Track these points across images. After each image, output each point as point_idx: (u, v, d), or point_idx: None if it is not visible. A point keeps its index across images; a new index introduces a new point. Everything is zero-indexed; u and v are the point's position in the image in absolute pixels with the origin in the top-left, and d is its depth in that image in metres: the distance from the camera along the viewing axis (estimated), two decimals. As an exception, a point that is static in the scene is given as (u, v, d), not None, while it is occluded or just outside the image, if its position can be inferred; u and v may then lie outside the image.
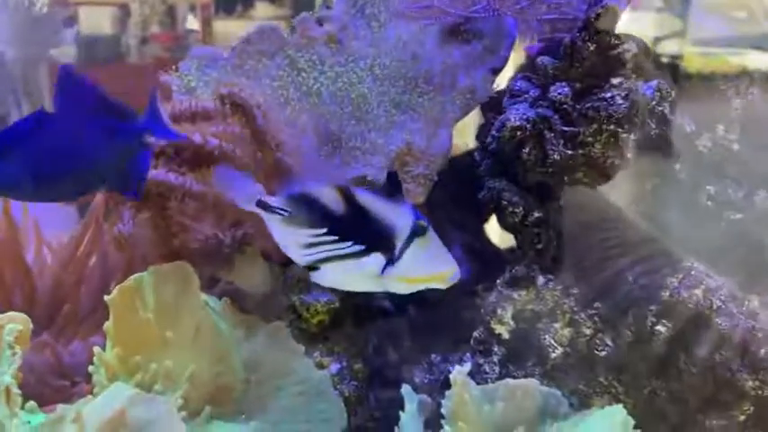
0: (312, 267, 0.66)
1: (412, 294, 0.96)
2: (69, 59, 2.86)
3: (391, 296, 0.95)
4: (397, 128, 0.87)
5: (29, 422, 0.66)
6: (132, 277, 0.71)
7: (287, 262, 0.94)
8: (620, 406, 0.66)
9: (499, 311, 0.73)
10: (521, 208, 0.73)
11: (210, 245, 0.83)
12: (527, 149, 0.71)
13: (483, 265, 0.96)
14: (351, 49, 0.98)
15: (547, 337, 0.71)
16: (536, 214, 0.73)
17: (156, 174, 0.72)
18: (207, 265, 0.83)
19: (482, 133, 0.83)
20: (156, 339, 0.72)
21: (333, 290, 0.88)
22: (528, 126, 0.70)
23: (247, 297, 0.92)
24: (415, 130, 0.85)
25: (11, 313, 0.63)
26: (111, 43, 2.90)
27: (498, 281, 0.75)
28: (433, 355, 0.84)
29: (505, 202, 0.74)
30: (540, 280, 0.73)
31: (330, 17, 1.03)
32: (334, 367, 0.86)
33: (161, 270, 0.73)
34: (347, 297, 0.90)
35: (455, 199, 0.96)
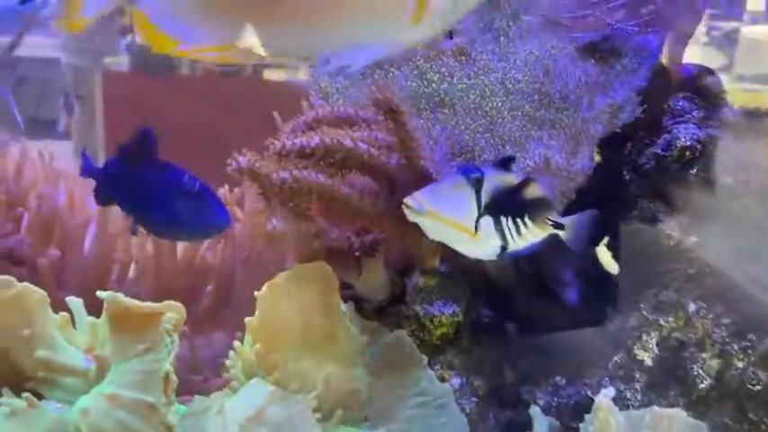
0: None
1: (531, 312, 0.96)
2: (123, 68, 2.95)
3: (511, 314, 0.95)
4: (534, 143, 0.86)
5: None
6: (281, 275, 0.72)
7: (405, 270, 0.94)
8: (777, 444, 0.64)
9: (644, 337, 0.72)
10: (677, 231, 0.71)
11: (341, 247, 0.84)
12: (695, 171, 0.69)
13: (594, 288, 0.95)
14: (480, 63, 0.98)
15: (694, 366, 0.69)
16: (693, 239, 0.71)
17: (307, 174, 0.72)
18: (336, 267, 0.83)
19: (632, 153, 0.82)
20: (296, 338, 0.73)
21: (456, 303, 0.88)
22: (698, 147, 0.69)
23: (365, 303, 0.92)
24: (554, 146, 0.84)
25: (168, 302, 0.64)
26: (164, 54, 2.97)
27: (643, 305, 0.73)
28: (557, 378, 0.82)
29: (661, 224, 0.72)
30: (692, 307, 0.71)
31: (459, 30, 1.04)
32: (456, 382, 0.85)
33: (305, 269, 0.73)
34: (467, 311, 0.89)
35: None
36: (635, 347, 0.73)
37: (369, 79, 0.99)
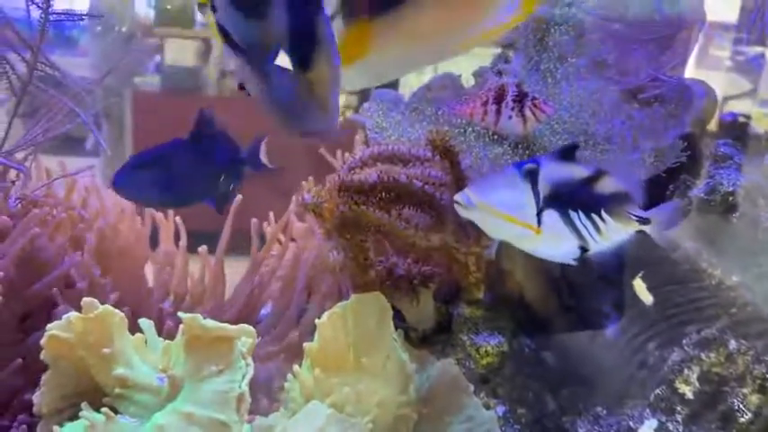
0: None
1: (572, 343, 0.99)
2: (152, 87, 3.04)
3: (553, 345, 0.98)
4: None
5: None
6: (339, 304, 0.76)
7: (450, 300, 0.98)
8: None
9: (686, 371, 0.75)
10: (719, 271, 0.75)
11: (400, 275, 0.88)
12: (737, 215, 0.73)
13: (631, 320, 0.98)
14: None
15: (735, 401, 0.72)
16: (734, 278, 0.74)
17: (366, 209, 0.77)
18: (393, 295, 0.87)
19: (674, 194, 0.85)
20: (352, 364, 0.77)
21: (501, 333, 0.92)
22: (740, 192, 0.72)
23: (411, 331, 0.96)
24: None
25: (242, 326, 0.69)
26: (192, 75, 3.06)
27: (685, 341, 0.77)
28: (598, 408, 0.85)
29: (704, 264, 0.75)
30: (733, 344, 0.74)
31: (507, 70, 1.09)
32: (500, 409, 0.89)
33: (362, 299, 0.78)
34: (510, 341, 0.93)
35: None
36: (677, 381, 0.76)
37: (420, 115, 1.05)
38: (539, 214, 0.65)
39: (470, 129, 0.99)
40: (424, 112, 1.04)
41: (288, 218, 1.02)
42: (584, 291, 1.05)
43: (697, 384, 0.75)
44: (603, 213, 0.67)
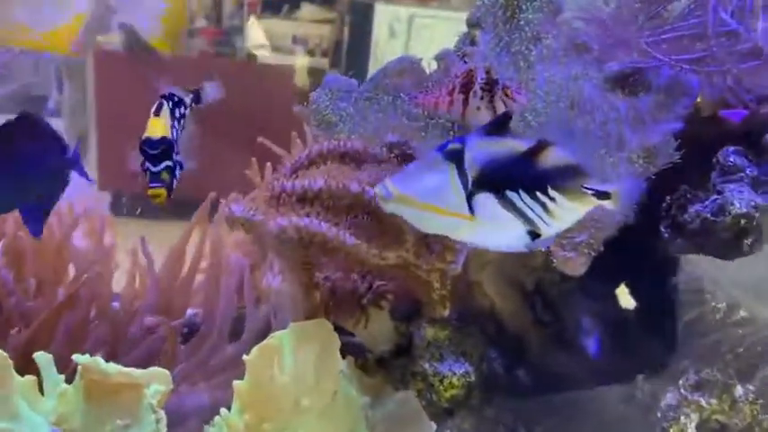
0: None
1: (549, 367, 0.89)
2: (115, 46, 2.91)
3: (527, 368, 0.87)
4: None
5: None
6: (273, 335, 0.64)
7: (411, 317, 0.87)
8: None
9: (682, 419, 0.64)
10: (725, 304, 0.64)
11: (346, 293, 0.76)
12: (749, 241, 0.61)
13: (616, 336, 0.88)
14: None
15: (740, 456, 0.62)
16: (742, 313, 0.63)
17: (309, 222, 0.64)
18: (339, 314, 0.76)
19: (672, 207, 0.73)
20: (290, 406, 0.65)
21: (467, 359, 0.80)
22: (756, 215, 0.61)
23: (367, 353, 0.85)
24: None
25: (153, 369, 0.56)
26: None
27: (681, 381, 0.66)
28: (577, 447, 0.75)
29: (708, 296, 0.64)
30: (739, 390, 0.63)
31: (473, 53, 0.96)
32: (467, 449, 0.78)
33: (302, 329, 0.66)
34: (479, 365, 0.82)
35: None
36: (671, 428, 0.65)
37: (375, 106, 0.92)
38: (469, 199, 0.56)
39: (434, 121, 0.86)
40: (379, 101, 0.90)
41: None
42: (561, 304, 0.94)
43: (695, 433, 0.64)
44: (551, 190, 0.57)
